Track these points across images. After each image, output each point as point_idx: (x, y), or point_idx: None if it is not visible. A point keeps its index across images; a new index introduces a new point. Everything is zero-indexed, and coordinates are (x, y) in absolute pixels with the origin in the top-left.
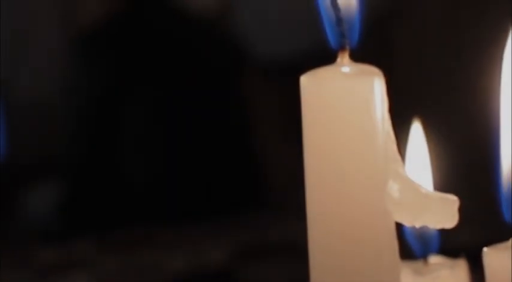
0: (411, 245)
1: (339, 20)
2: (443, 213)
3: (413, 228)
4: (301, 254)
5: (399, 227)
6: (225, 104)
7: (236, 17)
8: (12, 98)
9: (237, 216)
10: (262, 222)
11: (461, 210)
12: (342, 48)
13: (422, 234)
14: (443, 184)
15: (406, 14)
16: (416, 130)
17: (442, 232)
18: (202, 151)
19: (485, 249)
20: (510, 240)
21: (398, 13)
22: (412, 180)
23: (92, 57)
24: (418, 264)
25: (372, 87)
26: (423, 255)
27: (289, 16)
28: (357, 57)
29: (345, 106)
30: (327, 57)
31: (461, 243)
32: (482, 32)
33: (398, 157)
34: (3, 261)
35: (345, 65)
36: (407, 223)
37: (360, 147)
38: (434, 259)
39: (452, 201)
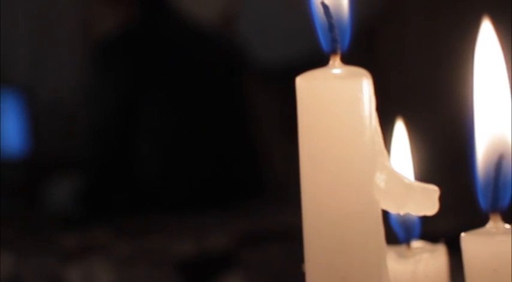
0: (396, 231)
1: (331, 27)
2: (424, 201)
3: (398, 215)
4: (296, 239)
5: (385, 214)
6: (229, 104)
7: (239, 26)
8: (36, 100)
9: (239, 205)
10: (261, 210)
11: (441, 199)
12: (333, 52)
13: (405, 221)
14: (425, 176)
15: (392, 22)
16: (400, 128)
17: (424, 219)
18: (208, 148)
19: (463, 234)
20: (486, 226)
21: (385, 21)
22: (397, 171)
23: (108, 63)
24: (402, 248)
25: (361, 88)
26: (406, 240)
27: (286, 24)
28: (347, 60)
29: (336, 104)
30: (320, 61)
31: (441, 229)
32: (458, 38)
33: (385, 151)
34: (30, 246)
35: (336, 67)
36: (392, 210)
37: (350, 142)
38: (417, 244)
39: (433, 191)
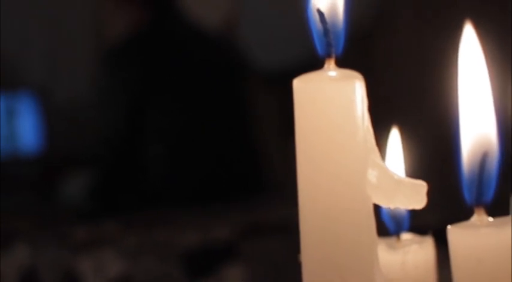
0: (386, 224)
1: (326, 32)
2: (413, 196)
3: (388, 209)
4: (294, 232)
5: (376, 208)
6: (231, 105)
7: (241, 31)
8: (50, 101)
9: (241, 201)
10: (261, 206)
11: (429, 194)
12: (328, 56)
13: (395, 214)
14: (414, 172)
15: (383, 29)
16: (394, 135)
17: (413, 212)
18: (211, 147)
19: (449, 227)
20: (470, 219)
21: (377, 28)
22: (388, 168)
23: (118, 66)
24: (392, 240)
25: (354, 89)
26: (396, 233)
27: (285, 30)
28: (341, 63)
29: (330, 105)
30: (316, 64)
31: (429, 222)
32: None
33: (376, 149)
34: (44, 238)
35: (331, 70)
36: (383, 205)
37: (344, 140)
38: (406, 236)
39: (421, 186)
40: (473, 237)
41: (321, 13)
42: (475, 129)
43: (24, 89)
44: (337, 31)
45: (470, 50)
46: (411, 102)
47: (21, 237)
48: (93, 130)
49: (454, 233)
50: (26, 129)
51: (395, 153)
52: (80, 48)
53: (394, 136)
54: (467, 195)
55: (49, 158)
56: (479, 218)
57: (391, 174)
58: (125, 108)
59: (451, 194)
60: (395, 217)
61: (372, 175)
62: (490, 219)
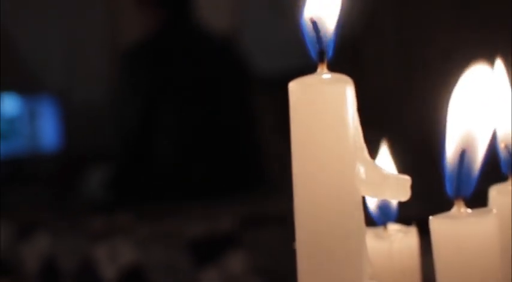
0: (374, 215)
1: (319, 40)
2: (399, 189)
3: (376, 201)
4: (290, 222)
5: (365, 200)
6: (235, 107)
7: (244, 40)
8: (69, 102)
9: (242, 194)
10: (261, 199)
11: (413, 187)
12: (321, 61)
13: (382, 206)
14: (401, 168)
15: (371, 37)
16: (385, 148)
17: (398, 204)
18: (216, 145)
19: (431, 217)
20: (451, 211)
21: (365, 35)
22: (375, 163)
23: (132, 68)
24: (379, 230)
25: (344, 92)
26: (383, 223)
27: (282, 39)
28: (333, 68)
29: (323, 106)
30: (310, 69)
31: (413, 213)
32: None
33: (364, 146)
34: (63, 228)
35: (323, 74)
36: (371, 197)
37: (334, 138)
38: (392, 226)
39: (405, 180)
40: (453, 227)
41: (314, 23)
42: (456, 129)
43: (44, 92)
44: (329, 39)
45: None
46: (398, 104)
47: (41, 228)
48: (107, 129)
49: (436, 223)
50: (46, 129)
51: (386, 152)
52: (95, 55)
53: (385, 140)
54: (448, 188)
55: (67, 155)
56: (459, 209)
57: (378, 169)
58: (137, 108)
59: (433, 188)
60: (382, 209)
61: (360, 170)
62: (469, 210)
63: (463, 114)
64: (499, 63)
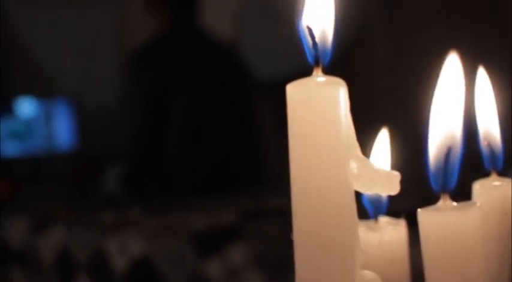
0: (366, 208)
1: (314, 45)
2: (388, 184)
3: (368, 195)
4: (288, 215)
5: (358, 194)
6: (237, 108)
7: (245, 46)
8: (83, 105)
9: (244, 189)
10: (262, 193)
11: (402, 182)
12: (316, 65)
13: (374, 200)
14: (392, 165)
15: (364, 42)
16: (383, 135)
17: (389, 198)
18: (220, 143)
19: (419, 210)
20: (437, 204)
21: (359, 40)
22: (367, 160)
23: (141, 70)
24: (371, 222)
25: (338, 93)
26: (374, 216)
27: (281, 45)
28: (327, 71)
29: (318, 107)
30: (306, 73)
31: (402, 207)
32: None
33: (357, 143)
34: (77, 222)
35: (318, 77)
36: (363, 191)
37: (329, 136)
38: (383, 219)
39: (395, 176)
40: (439, 219)
41: (310, 29)
42: (441, 127)
43: (59, 95)
44: (324, 44)
45: (449, 64)
46: (387, 104)
47: (56, 222)
48: (118, 129)
49: (424, 215)
50: (61, 130)
51: (381, 149)
52: (105, 61)
53: (381, 135)
54: (435, 183)
55: (81, 154)
56: (445, 202)
57: (370, 165)
58: (145, 109)
59: (421, 183)
60: (374, 202)
61: (353, 166)
62: (454, 203)
63: (445, 114)
64: (481, 70)
